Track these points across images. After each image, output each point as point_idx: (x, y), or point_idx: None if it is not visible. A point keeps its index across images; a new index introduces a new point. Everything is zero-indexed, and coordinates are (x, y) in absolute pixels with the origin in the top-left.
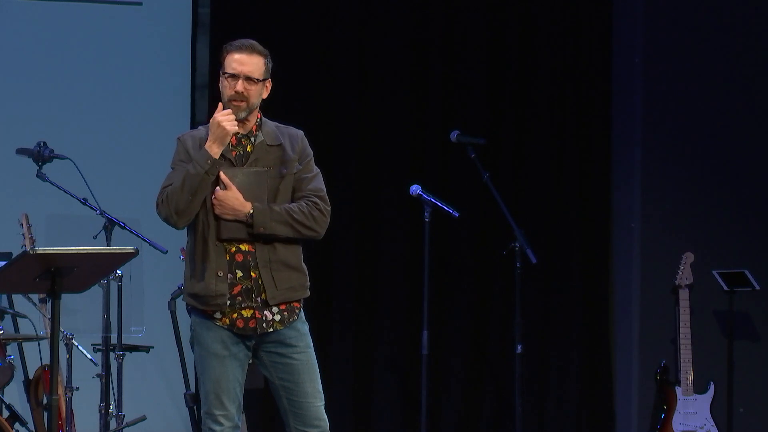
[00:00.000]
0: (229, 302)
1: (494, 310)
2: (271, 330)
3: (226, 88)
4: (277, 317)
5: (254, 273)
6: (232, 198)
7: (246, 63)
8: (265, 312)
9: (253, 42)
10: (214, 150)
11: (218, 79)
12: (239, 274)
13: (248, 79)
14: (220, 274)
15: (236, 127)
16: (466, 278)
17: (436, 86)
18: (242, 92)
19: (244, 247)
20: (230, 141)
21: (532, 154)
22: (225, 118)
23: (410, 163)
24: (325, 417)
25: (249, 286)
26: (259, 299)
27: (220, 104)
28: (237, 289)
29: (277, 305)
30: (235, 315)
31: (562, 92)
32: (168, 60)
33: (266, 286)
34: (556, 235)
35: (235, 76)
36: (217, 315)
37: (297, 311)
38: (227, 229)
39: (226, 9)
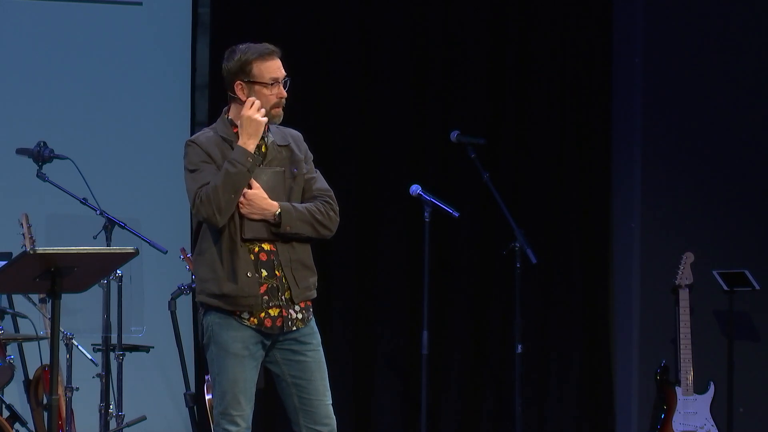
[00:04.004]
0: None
1: (494, 310)
2: (295, 328)
3: (268, 96)
4: (299, 315)
5: (278, 272)
6: (260, 198)
7: (282, 68)
8: (290, 310)
9: (272, 45)
10: (250, 146)
11: (217, 79)
12: (264, 273)
13: (284, 83)
14: (249, 274)
15: (265, 119)
16: (466, 278)
17: (436, 86)
18: (284, 97)
19: (266, 246)
20: None
21: (532, 153)
22: (256, 112)
23: (410, 163)
24: (334, 416)
25: (275, 285)
26: (283, 297)
27: (249, 100)
28: (263, 289)
29: (298, 303)
30: (263, 314)
31: (563, 92)
32: (168, 60)
33: (290, 285)
34: (556, 235)
35: (277, 83)
36: (245, 315)
37: (311, 309)
38: (250, 228)
39: (226, 9)
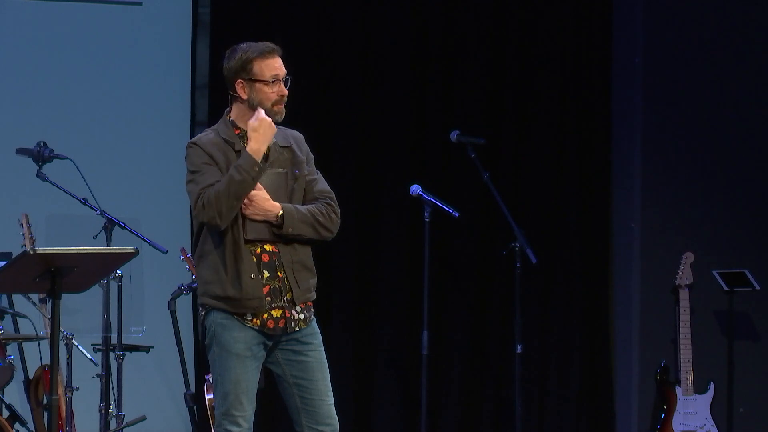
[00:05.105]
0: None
1: (494, 310)
2: (297, 329)
3: (269, 93)
4: (301, 316)
5: (281, 273)
6: (263, 199)
7: (282, 66)
8: (292, 311)
9: (273, 44)
10: (261, 154)
11: (217, 79)
12: (266, 274)
13: (285, 81)
14: (253, 276)
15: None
16: (466, 278)
17: (436, 86)
18: (286, 94)
19: (268, 247)
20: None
21: (532, 154)
22: (269, 119)
23: (410, 163)
24: (336, 416)
25: (277, 286)
26: (285, 298)
27: (260, 109)
28: (266, 290)
29: (299, 305)
30: (266, 316)
31: (562, 92)
32: (168, 60)
33: (292, 286)
34: (556, 235)
35: (278, 80)
36: (248, 316)
37: (312, 310)
38: (253, 229)
39: (226, 9)
